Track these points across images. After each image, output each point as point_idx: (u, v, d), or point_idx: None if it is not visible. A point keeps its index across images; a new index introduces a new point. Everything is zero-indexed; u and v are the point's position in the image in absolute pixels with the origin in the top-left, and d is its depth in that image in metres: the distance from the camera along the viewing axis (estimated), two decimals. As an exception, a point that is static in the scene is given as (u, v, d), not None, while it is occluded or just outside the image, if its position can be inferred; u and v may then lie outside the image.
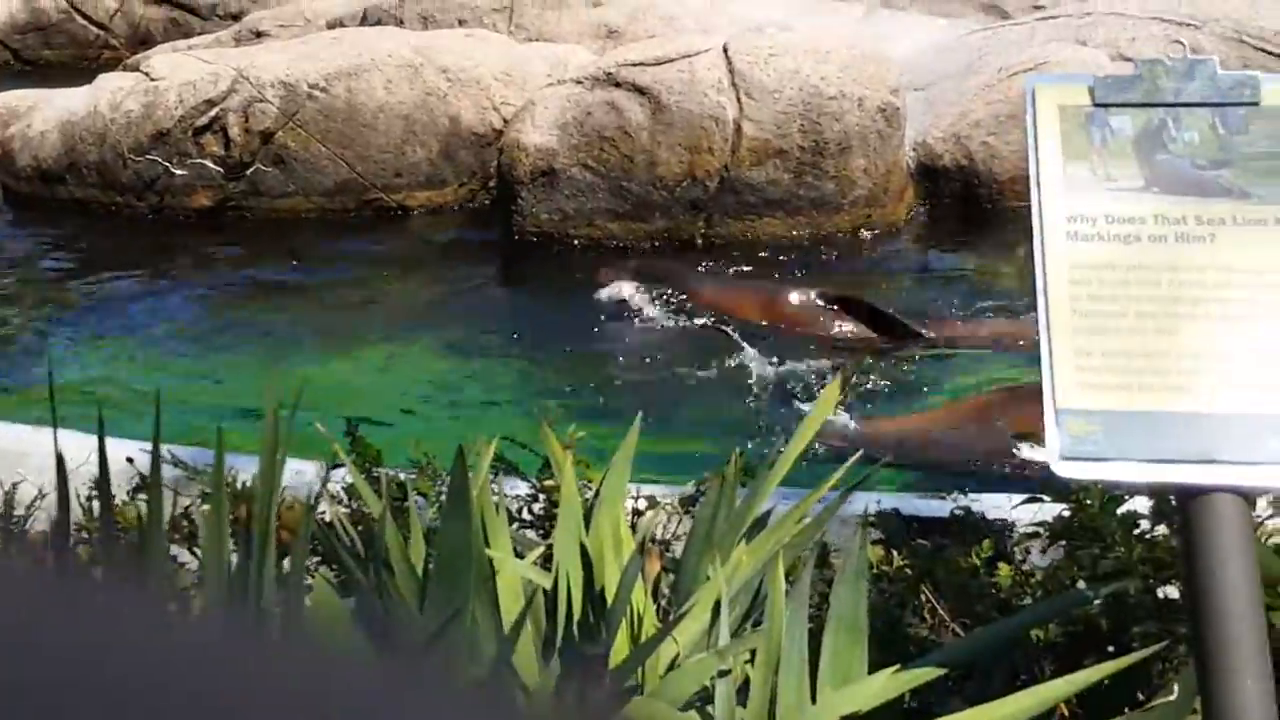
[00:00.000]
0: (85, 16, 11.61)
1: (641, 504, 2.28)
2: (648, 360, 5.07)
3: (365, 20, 8.59)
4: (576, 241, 6.17)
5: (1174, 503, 1.56)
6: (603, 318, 5.52)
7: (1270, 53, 6.56)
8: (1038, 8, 7.93)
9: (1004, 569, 2.15)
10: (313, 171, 6.70)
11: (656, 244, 6.10)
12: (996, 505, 2.61)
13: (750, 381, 4.79)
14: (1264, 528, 2.02)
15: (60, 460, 1.47)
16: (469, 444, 1.87)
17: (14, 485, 2.45)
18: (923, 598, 2.08)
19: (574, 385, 4.85)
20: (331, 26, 8.89)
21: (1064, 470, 1.43)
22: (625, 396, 4.67)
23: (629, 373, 5.01)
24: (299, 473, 2.53)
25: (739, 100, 6.01)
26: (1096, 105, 1.51)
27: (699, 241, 6.08)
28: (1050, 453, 1.43)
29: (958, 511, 2.49)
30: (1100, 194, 1.48)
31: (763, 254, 5.98)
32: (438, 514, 2.08)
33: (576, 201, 6.16)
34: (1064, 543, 2.17)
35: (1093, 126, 1.50)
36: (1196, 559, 1.39)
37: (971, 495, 2.65)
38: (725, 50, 6.18)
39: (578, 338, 5.32)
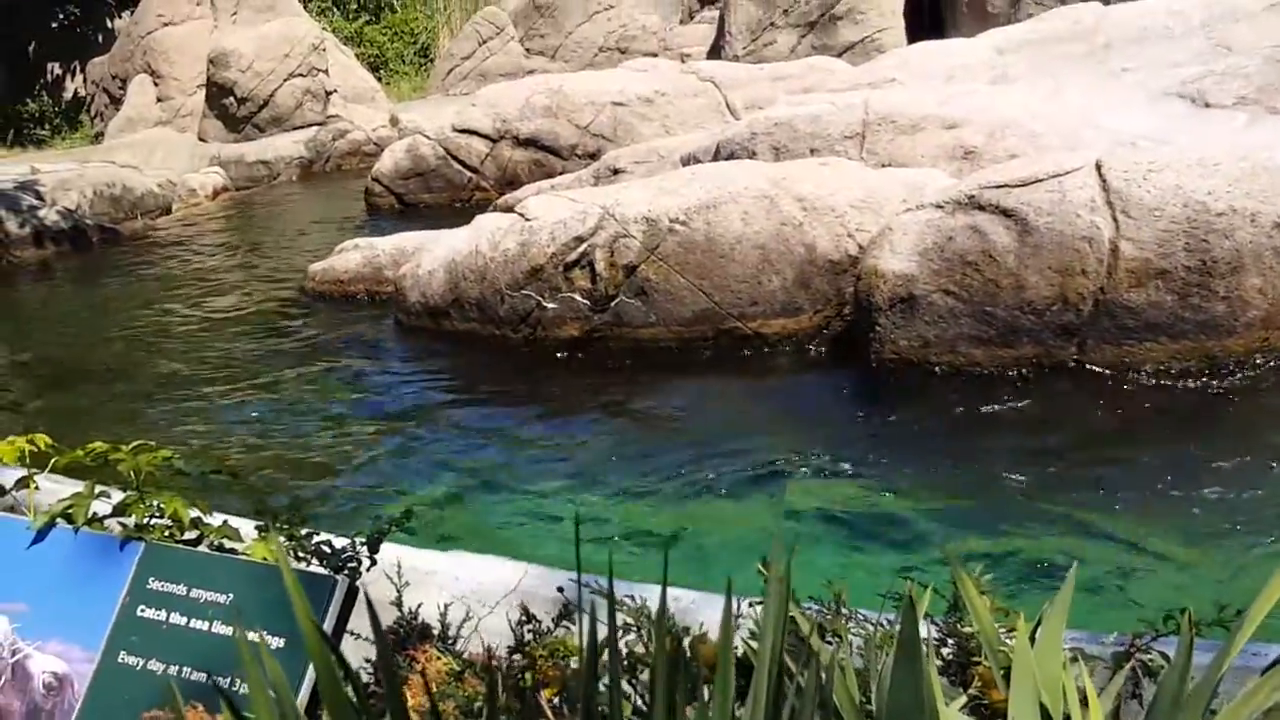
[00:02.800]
0: (460, 161, 12.58)
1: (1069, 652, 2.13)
2: (1018, 491, 4.85)
3: (718, 154, 8.87)
4: (938, 368, 6.04)
5: None
6: (969, 444, 5.38)
7: None
8: None
9: None
10: (672, 302, 6.89)
11: (1024, 371, 5.89)
12: None
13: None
14: None
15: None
16: (914, 590, 1.82)
17: (418, 605, 2.55)
18: None
19: (953, 519, 4.68)
20: (685, 162, 9.24)
21: None
22: (1009, 531, 4.48)
23: (1002, 501, 4.79)
24: (693, 602, 2.53)
25: (1115, 219, 5.77)
26: None
27: (1071, 367, 5.82)
28: None
29: None
30: None
31: (1144, 381, 5.67)
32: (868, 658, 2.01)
33: (938, 328, 6.04)
34: None
35: None
36: None
37: None
38: (1098, 168, 5.97)
39: (949, 465, 5.18)
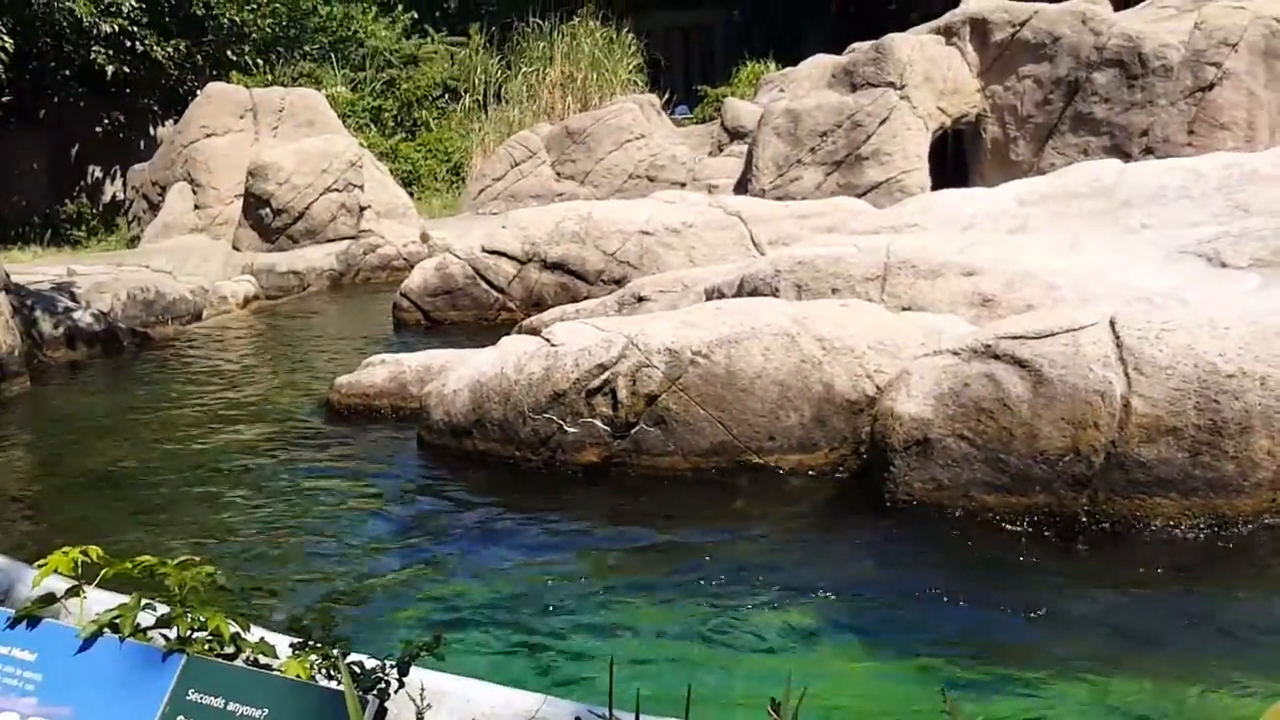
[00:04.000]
0: (488, 281, 12.82)
1: None
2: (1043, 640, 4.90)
3: (742, 288, 9.06)
4: (950, 509, 6.12)
5: None
6: (978, 591, 5.43)
7: None
8: None
9: None
10: (691, 432, 7.01)
11: (1037, 519, 5.96)
12: None
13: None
14: None
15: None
16: None
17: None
18: None
19: (976, 667, 4.72)
20: (709, 293, 9.43)
21: None
22: (1010, 682, 4.53)
23: (1004, 652, 4.84)
24: None
25: (1127, 375, 5.89)
26: None
27: (1083, 518, 5.89)
28: None
29: None
30: None
31: (1155, 536, 5.74)
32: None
33: (951, 472, 6.14)
34: None
35: None
36: None
37: None
38: (1112, 324, 6.11)
39: (964, 612, 5.23)
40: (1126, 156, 14.42)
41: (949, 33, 17.58)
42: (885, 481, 6.30)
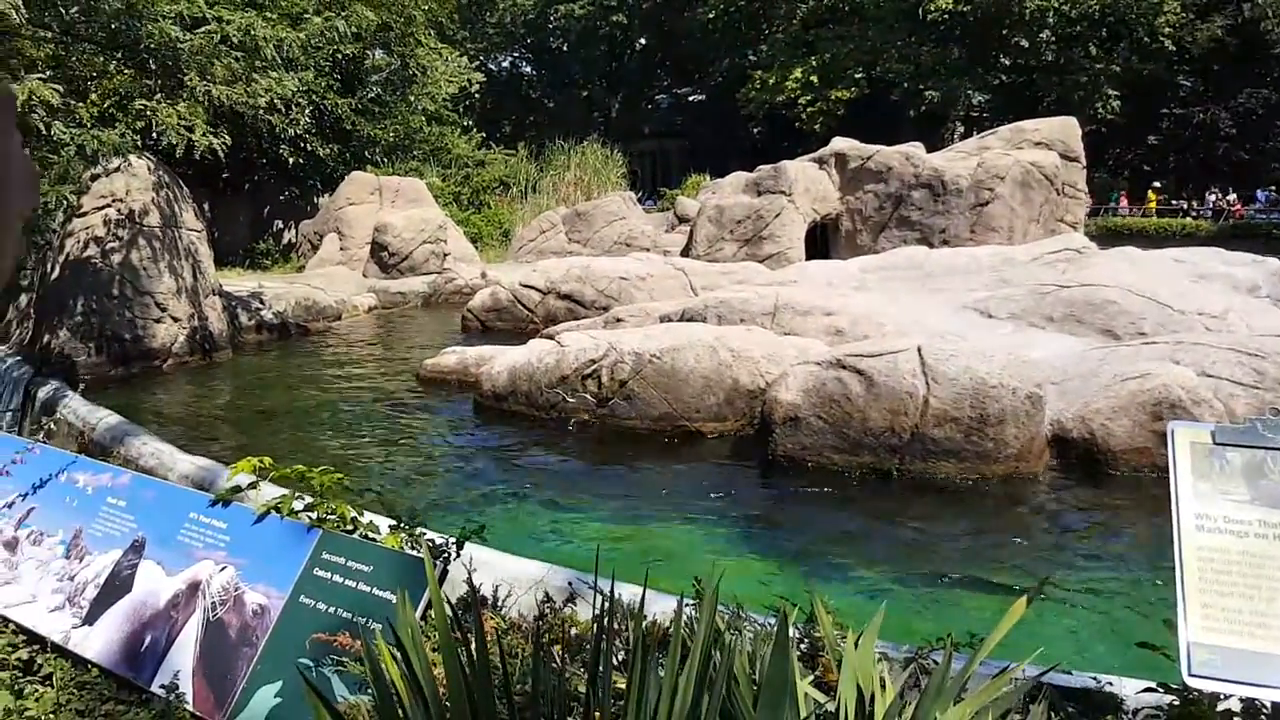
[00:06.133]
0: (522, 304, 12.66)
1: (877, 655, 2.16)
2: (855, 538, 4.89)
3: (684, 316, 8.99)
4: (810, 464, 6.10)
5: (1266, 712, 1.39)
6: (828, 512, 5.41)
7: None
8: (1141, 335, 7.47)
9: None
10: (648, 406, 6.95)
11: (865, 472, 5.95)
12: (1123, 687, 2.34)
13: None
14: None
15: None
16: (785, 607, 1.87)
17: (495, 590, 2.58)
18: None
19: (814, 555, 4.70)
20: (663, 318, 9.34)
21: (1192, 682, 1.33)
22: (849, 562, 4.51)
23: (846, 547, 4.82)
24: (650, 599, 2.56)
25: (928, 383, 5.89)
26: (1217, 444, 1.45)
27: (895, 473, 5.89)
28: (1182, 669, 1.33)
29: (1097, 687, 2.25)
30: (1219, 502, 1.41)
31: (940, 485, 5.75)
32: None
33: (812, 439, 6.12)
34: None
35: (1213, 458, 1.45)
36: None
37: (1108, 677, 2.39)
38: (919, 350, 6.11)
39: (815, 524, 5.21)
40: (931, 246, 14.48)
41: (821, 161, 17.59)
42: (769, 443, 6.28)
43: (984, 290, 9.09)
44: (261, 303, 12.42)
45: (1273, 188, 31.46)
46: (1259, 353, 6.12)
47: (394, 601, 2.11)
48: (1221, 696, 1.89)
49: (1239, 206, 29.15)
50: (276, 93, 8.90)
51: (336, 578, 2.32)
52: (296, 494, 2.59)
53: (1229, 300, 8.10)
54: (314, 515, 2.54)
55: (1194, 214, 29.27)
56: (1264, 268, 9.54)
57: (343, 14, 12.02)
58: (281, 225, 21.52)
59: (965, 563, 4.59)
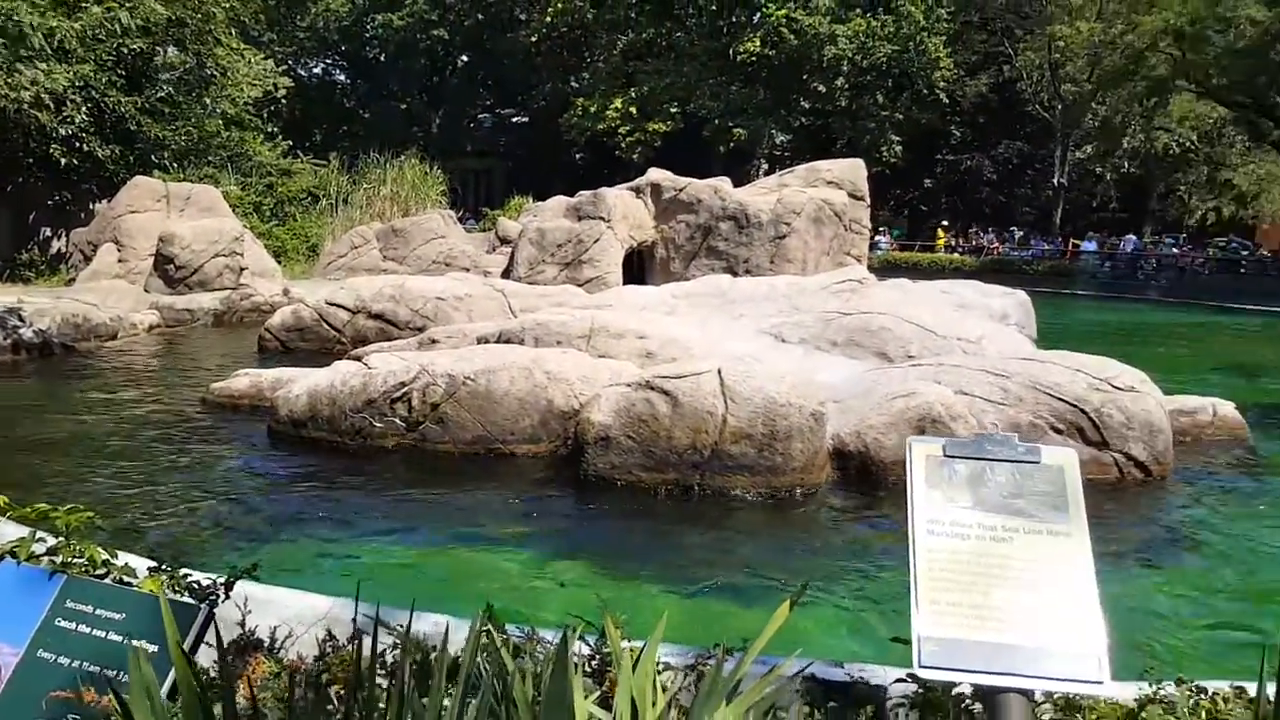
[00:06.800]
0: (328, 323, 12.19)
1: (662, 665, 2.27)
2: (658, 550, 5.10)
3: (501, 338, 9.01)
4: (619, 482, 6.29)
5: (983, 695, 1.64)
6: (635, 527, 5.60)
7: (1046, 391, 6.76)
8: (910, 357, 8.25)
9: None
10: (461, 429, 6.92)
11: (670, 488, 6.21)
12: (885, 676, 2.58)
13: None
14: (1041, 708, 2.04)
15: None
16: (572, 624, 1.95)
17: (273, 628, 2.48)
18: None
19: (622, 570, 4.86)
20: (481, 340, 9.31)
21: (922, 673, 1.54)
22: (650, 574, 4.69)
23: (647, 561, 5.01)
24: (434, 625, 2.58)
25: (726, 403, 6.24)
26: (947, 455, 1.69)
27: (696, 488, 6.18)
28: (915, 660, 1.54)
29: (862, 678, 2.48)
30: (947, 509, 1.64)
31: (736, 498, 6.08)
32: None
33: (621, 458, 6.31)
34: (919, 712, 2.20)
35: (944, 468, 1.68)
36: None
37: (867, 667, 2.63)
38: (719, 372, 6.46)
39: (621, 540, 5.38)
40: (736, 274, 15.26)
41: (638, 190, 18.13)
42: (581, 463, 6.42)
43: (779, 316, 9.70)
44: (20, 319, 11.16)
45: (1023, 230, 35.39)
46: (1005, 373, 6.95)
47: (153, 650, 2.00)
48: (957, 684, 2.17)
49: (997, 244, 32.58)
50: (45, 86, 8.11)
51: (83, 628, 2.14)
52: (37, 536, 2.37)
53: (984, 327, 9.11)
54: (58, 559, 2.32)
55: (960, 250, 32.46)
56: (1014, 299, 10.79)
57: (127, 5, 11.11)
58: (50, 233, 19.40)
59: (752, 570, 4.91)
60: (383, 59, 43.60)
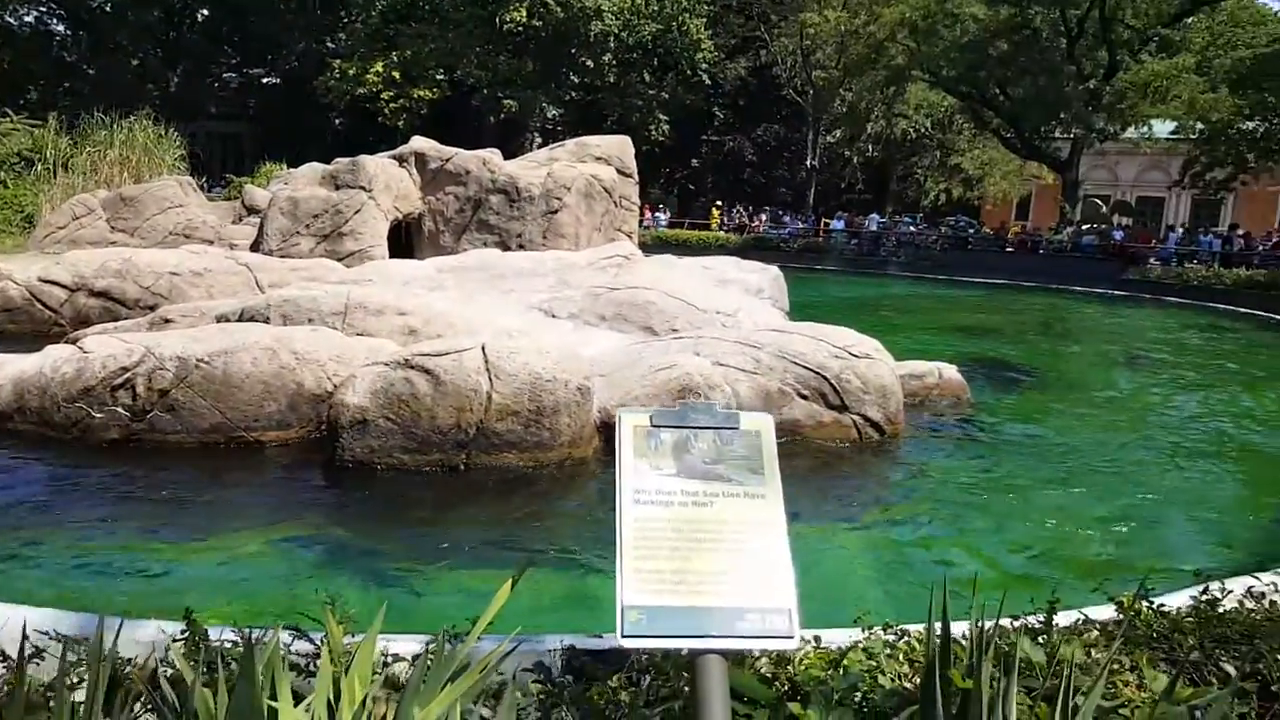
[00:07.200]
0: (41, 303, 10.72)
1: (391, 656, 2.16)
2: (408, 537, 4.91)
3: (243, 316, 8.27)
4: (380, 466, 5.99)
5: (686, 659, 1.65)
6: (397, 512, 5.36)
7: (793, 360, 7.17)
8: (674, 330, 8.50)
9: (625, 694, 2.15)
10: (196, 417, 6.30)
11: (435, 469, 6.00)
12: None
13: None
14: (759, 661, 2.11)
15: None
16: (272, 628, 1.78)
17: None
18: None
19: (374, 558, 4.60)
20: (221, 319, 8.52)
21: (625, 643, 1.52)
22: (403, 560, 4.49)
23: (404, 550, 4.81)
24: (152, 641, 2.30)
25: (491, 379, 6.10)
26: (654, 425, 1.68)
27: (463, 468, 6.01)
28: (619, 631, 1.52)
29: (610, 649, 2.48)
30: (653, 477, 1.63)
31: (504, 475, 5.98)
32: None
33: (380, 441, 6.02)
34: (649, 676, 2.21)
35: (650, 438, 1.67)
36: (696, 692, 1.50)
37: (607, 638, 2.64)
38: (483, 348, 6.30)
39: (372, 526, 5.12)
40: (509, 249, 15.03)
41: (401, 159, 17.30)
42: (337, 448, 6.05)
43: (549, 292, 9.67)
44: None
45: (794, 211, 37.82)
46: (757, 345, 7.32)
47: None
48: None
49: (757, 223, 34.59)
50: None
51: None
52: None
53: (741, 301, 9.57)
54: None
55: (724, 227, 34.13)
56: (768, 274, 11.43)
57: None
58: None
59: (516, 546, 4.84)
60: (108, 9, 38.73)
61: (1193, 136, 29.39)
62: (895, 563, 4.81)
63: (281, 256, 14.95)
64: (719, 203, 37.16)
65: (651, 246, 24.78)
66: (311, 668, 2.25)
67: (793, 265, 25.16)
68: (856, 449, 6.99)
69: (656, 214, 35.20)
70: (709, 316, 8.74)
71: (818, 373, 7.08)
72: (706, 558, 1.57)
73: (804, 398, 7.04)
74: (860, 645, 2.14)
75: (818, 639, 2.35)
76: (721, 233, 33.08)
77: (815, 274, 26.52)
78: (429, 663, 1.91)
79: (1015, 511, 5.81)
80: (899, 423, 7.29)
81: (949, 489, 6.27)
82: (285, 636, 2.50)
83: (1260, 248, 25.45)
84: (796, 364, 7.10)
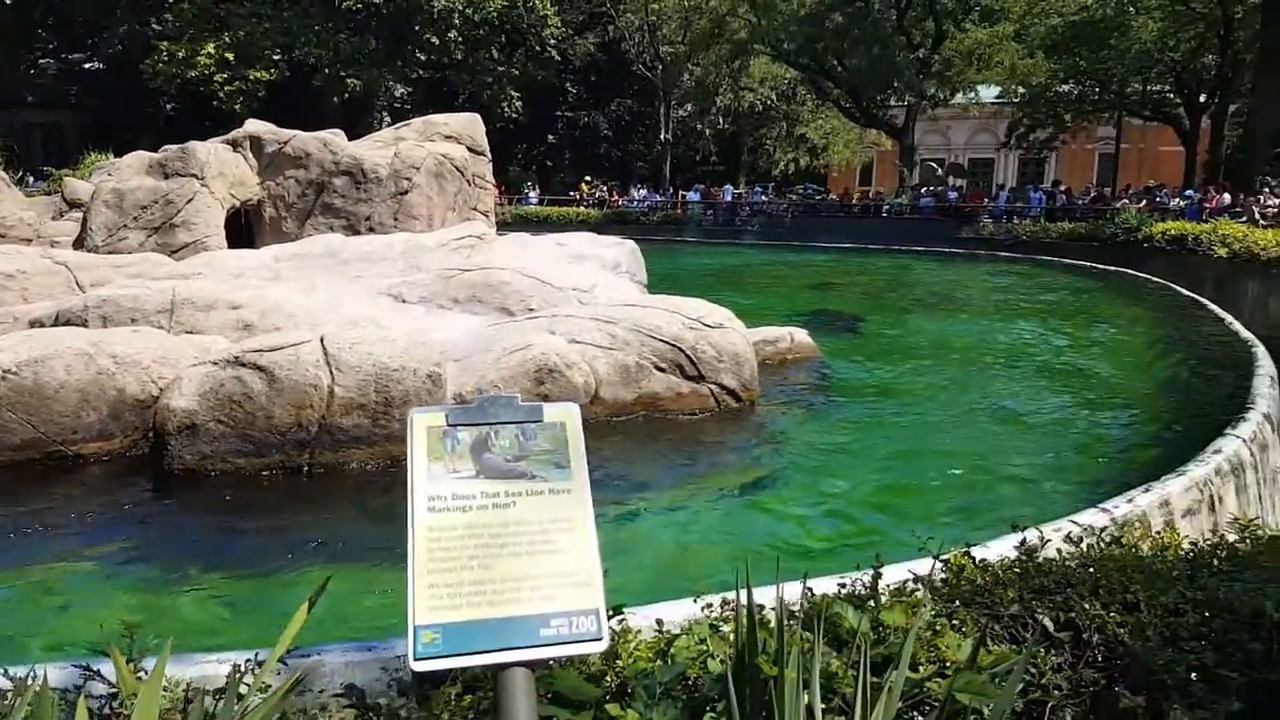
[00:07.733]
0: None
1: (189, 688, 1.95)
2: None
3: (58, 320, 7.55)
4: (213, 472, 5.58)
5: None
6: (229, 523, 4.98)
7: (649, 333, 7.13)
8: (530, 310, 8.31)
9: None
10: (5, 433, 5.69)
11: (275, 472, 5.64)
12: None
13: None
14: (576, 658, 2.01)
15: None
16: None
17: None
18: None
19: (210, 574, 4.25)
20: (35, 324, 7.74)
21: (417, 666, 1.38)
22: (230, 576, 4.17)
23: (242, 560, 4.47)
24: None
25: (332, 373, 5.77)
26: (450, 425, 1.53)
27: (306, 468, 5.67)
28: (410, 655, 1.38)
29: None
30: (449, 481, 1.49)
31: (353, 473, 5.68)
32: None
33: (213, 446, 5.60)
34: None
35: (446, 439, 1.52)
36: (500, 708, 1.38)
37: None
38: (322, 340, 5.95)
39: (206, 538, 4.74)
40: (358, 233, 14.33)
41: (235, 144, 16.15)
42: (165, 457, 5.61)
43: (398, 276, 9.28)
44: None
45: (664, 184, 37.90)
46: (613, 320, 7.24)
47: None
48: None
49: (616, 197, 34.55)
50: None
51: None
52: None
53: (597, 277, 9.46)
54: None
55: (584, 203, 33.91)
56: (624, 248, 11.37)
57: None
58: None
59: (358, 551, 4.59)
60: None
61: (1015, 100, 31.30)
62: (749, 529, 4.84)
63: (108, 252, 13.73)
64: (588, 178, 36.82)
65: (513, 224, 24.37)
66: (106, 710, 2.02)
67: (653, 238, 25.33)
68: (715, 418, 7.04)
69: (528, 191, 34.62)
70: (565, 294, 8.59)
71: (673, 345, 7.06)
72: (509, 564, 1.45)
73: (661, 370, 7.02)
74: (692, 626, 2.06)
75: (659, 622, 2.27)
76: (583, 208, 32.84)
77: (674, 246, 26.76)
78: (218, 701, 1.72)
79: (865, 467, 5.98)
80: (754, 389, 7.39)
81: (802, 450, 6.40)
82: (75, 675, 2.24)
83: (1080, 201, 27.42)
84: (652, 337, 7.06)
